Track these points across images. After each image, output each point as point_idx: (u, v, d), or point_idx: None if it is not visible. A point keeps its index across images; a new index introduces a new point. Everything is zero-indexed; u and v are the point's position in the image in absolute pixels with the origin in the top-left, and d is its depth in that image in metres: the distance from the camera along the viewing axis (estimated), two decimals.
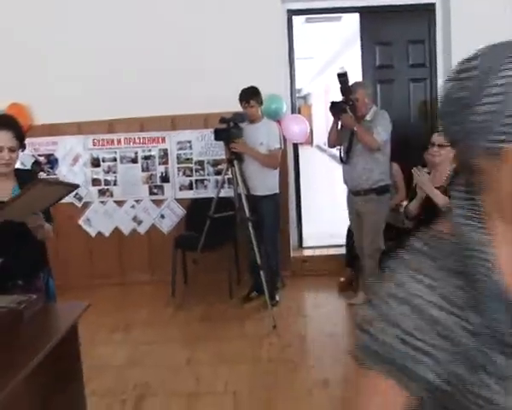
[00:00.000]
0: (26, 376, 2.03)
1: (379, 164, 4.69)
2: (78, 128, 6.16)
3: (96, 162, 6.20)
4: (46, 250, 3.21)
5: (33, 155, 6.26)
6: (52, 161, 6.26)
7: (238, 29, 5.89)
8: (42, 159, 6.24)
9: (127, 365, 4.31)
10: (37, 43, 5.99)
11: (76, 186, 3.22)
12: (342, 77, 4.66)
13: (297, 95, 6.89)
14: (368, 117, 4.72)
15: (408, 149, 5.32)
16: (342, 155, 4.91)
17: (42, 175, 5.97)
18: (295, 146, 6.42)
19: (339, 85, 4.72)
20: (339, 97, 4.82)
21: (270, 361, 4.24)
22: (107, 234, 6.31)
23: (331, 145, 5.19)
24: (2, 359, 2.03)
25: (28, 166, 6.28)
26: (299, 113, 7.59)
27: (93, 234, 6.31)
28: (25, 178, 3.07)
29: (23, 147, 3.05)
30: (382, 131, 4.63)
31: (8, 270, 2.85)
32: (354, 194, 4.86)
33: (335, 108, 4.77)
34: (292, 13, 6.24)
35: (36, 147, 6.21)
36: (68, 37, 5.98)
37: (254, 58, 5.82)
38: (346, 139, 4.81)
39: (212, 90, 5.70)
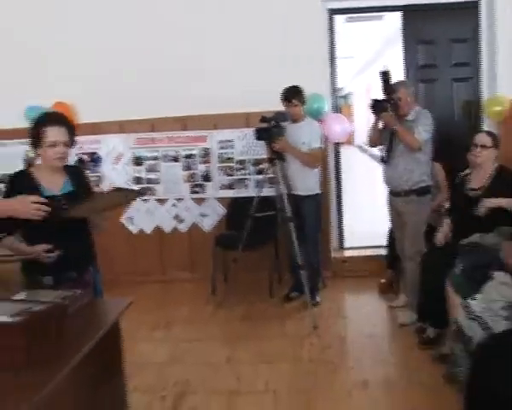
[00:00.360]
0: (71, 369, 2.08)
1: (420, 164, 4.63)
2: (121, 127, 6.25)
3: (138, 161, 6.28)
4: (94, 245, 3.30)
5: (77, 154, 6.38)
6: (95, 160, 6.36)
7: (280, 28, 5.89)
8: (85, 157, 6.35)
9: (168, 362, 4.35)
10: (83, 42, 6.11)
11: (141, 193, 3.35)
12: (385, 75, 4.60)
13: (338, 94, 6.85)
14: (410, 117, 4.66)
15: (451, 149, 5.24)
16: (383, 154, 4.86)
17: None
18: (336, 146, 6.39)
19: (381, 83, 4.66)
20: (380, 96, 4.76)
21: (310, 362, 4.24)
22: (148, 232, 6.38)
23: (372, 144, 5.14)
24: (49, 352, 2.08)
25: (73, 164, 6.40)
26: (340, 112, 7.54)
27: (135, 232, 6.40)
28: (73, 172, 3.22)
29: (74, 143, 3.16)
30: (423, 131, 4.56)
31: (63, 262, 2.97)
32: (394, 195, 4.80)
33: (376, 106, 4.71)
34: (333, 12, 6.21)
35: (80, 145, 6.31)
36: (110, 36, 6.07)
37: (295, 57, 5.81)
38: (387, 139, 4.76)
39: (254, 89, 5.72)
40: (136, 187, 6.15)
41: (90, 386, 2.41)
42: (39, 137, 3.01)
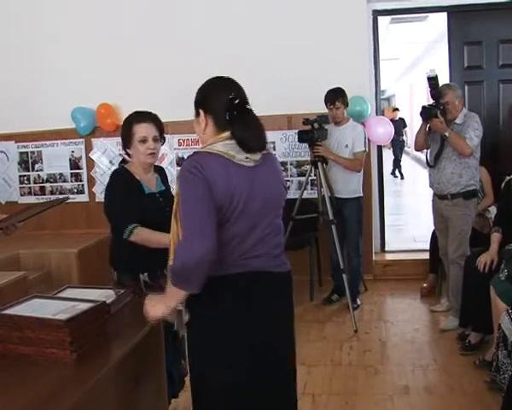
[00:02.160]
0: (114, 365, 2.13)
1: (468, 169, 4.55)
2: (165, 128, 6.29)
3: (181, 162, 6.34)
4: None
5: (121, 154, 6.47)
6: None
7: (323, 30, 5.88)
8: (128, 157, 6.44)
9: None
10: (126, 44, 6.21)
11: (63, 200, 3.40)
12: (433, 80, 4.53)
13: (381, 96, 6.80)
14: (458, 120, 4.58)
15: (497, 153, 5.16)
16: (429, 158, 4.80)
17: None
18: (379, 148, 6.35)
19: (429, 89, 4.60)
20: (423, 99, 4.69)
21: (349, 365, 4.21)
22: None
23: (418, 149, 5.08)
24: (93, 348, 2.12)
25: (116, 165, 6.51)
26: (383, 114, 7.49)
27: None
28: (160, 172, 3.31)
29: (163, 139, 3.24)
30: (475, 136, 4.48)
31: (160, 259, 2.93)
32: (440, 198, 4.73)
33: (426, 112, 4.64)
34: (377, 13, 6.17)
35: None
36: (151, 38, 6.17)
37: (339, 59, 5.80)
38: (435, 143, 4.69)
39: (297, 90, 5.72)
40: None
41: (133, 382, 2.45)
42: (130, 135, 3.08)
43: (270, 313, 2.27)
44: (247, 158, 2.20)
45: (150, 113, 3.20)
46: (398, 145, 14.57)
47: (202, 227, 2.04)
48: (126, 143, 3.12)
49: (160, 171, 3.33)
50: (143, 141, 3.06)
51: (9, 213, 3.02)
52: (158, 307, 2.18)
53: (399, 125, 14.27)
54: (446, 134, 4.49)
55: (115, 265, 3.19)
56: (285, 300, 2.42)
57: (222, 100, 2.26)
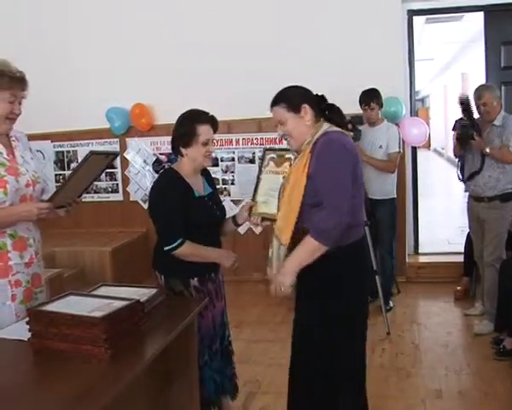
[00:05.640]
0: (148, 363, 2.14)
1: (506, 173, 4.47)
2: None
3: (214, 162, 6.37)
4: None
5: (155, 154, 6.55)
6: (171, 160, 6.47)
7: (358, 30, 5.86)
8: (163, 157, 6.51)
9: (238, 362, 4.35)
10: (160, 45, 6.27)
11: (116, 154, 3.12)
12: (464, 104, 4.46)
13: (415, 97, 6.74)
14: (497, 122, 4.51)
15: None
16: (465, 172, 4.75)
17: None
18: (414, 150, 6.29)
19: (461, 111, 4.53)
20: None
21: (381, 367, 4.18)
22: None
23: (457, 156, 5.01)
24: (127, 346, 2.14)
25: (150, 164, 6.58)
26: (417, 115, 7.42)
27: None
28: (207, 174, 3.22)
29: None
30: None
31: (211, 263, 3.06)
32: (476, 200, 4.67)
33: (463, 137, 4.58)
34: (412, 13, 6.12)
35: (158, 146, 6.50)
36: (185, 38, 6.22)
37: (373, 59, 5.77)
38: (471, 156, 4.62)
39: (331, 91, 5.66)
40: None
41: (165, 381, 2.48)
42: (193, 135, 2.96)
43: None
44: None
45: (208, 113, 3.09)
46: None
47: (348, 200, 2.44)
48: (187, 142, 2.97)
49: (206, 173, 3.22)
50: (206, 143, 2.98)
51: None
52: (287, 277, 2.54)
53: None
54: (487, 151, 4.43)
55: (162, 269, 3.07)
56: None
57: (313, 95, 2.71)
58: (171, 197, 2.93)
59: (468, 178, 4.66)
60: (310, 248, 2.47)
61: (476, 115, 4.59)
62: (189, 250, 2.92)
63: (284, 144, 2.86)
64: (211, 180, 3.24)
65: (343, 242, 2.49)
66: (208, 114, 3.08)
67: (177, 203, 2.91)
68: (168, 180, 3.03)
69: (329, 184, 2.44)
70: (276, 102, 2.70)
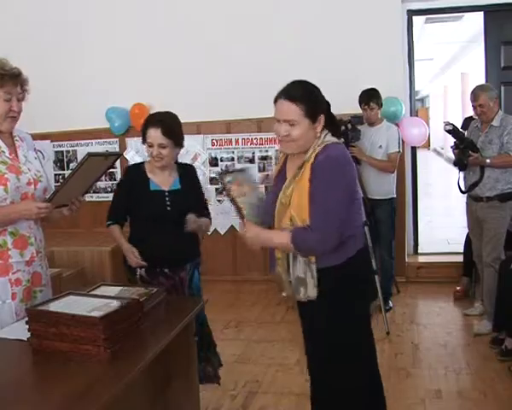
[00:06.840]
0: (147, 363, 2.14)
1: (505, 173, 4.47)
2: (198, 128, 6.36)
3: (214, 162, 6.38)
4: (199, 243, 3.39)
5: None
6: None
7: (358, 30, 5.86)
8: None
9: (238, 362, 4.39)
10: (161, 46, 6.27)
11: (118, 154, 3.21)
12: (451, 131, 4.55)
13: (415, 97, 6.75)
14: (494, 122, 4.51)
15: None
16: (464, 183, 4.76)
17: None
18: (413, 149, 6.29)
19: (452, 137, 4.60)
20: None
21: (381, 367, 4.13)
22: (222, 232, 6.45)
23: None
24: (126, 346, 2.14)
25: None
26: (417, 115, 7.42)
27: (209, 232, 6.47)
28: (185, 172, 3.36)
29: (179, 145, 3.25)
30: None
31: (158, 256, 3.13)
32: (475, 200, 4.67)
33: (460, 164, 4.62)
34: (412, 13, 6.12)
35: None
36: (187, 39, 6.23)
37: (373, 59, 5.78)
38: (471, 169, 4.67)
39: (330, 91, 5.66)
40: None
41: (165, 380, 2.47)
42: (144, 137, 3.19)
43: None
44: None
45: (163, 116, 3.21)
46: None
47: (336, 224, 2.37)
48: (143, 142, 3.22)
49: (186, 171, 3.37)
50: (150, 146, 3.15)
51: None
52: (255, 244, 2.64)
53: None
54: (488, 162, 4.44)
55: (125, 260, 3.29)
56: None
57: (327, 103, 2.62)
58: (118, 185, 3.48)
59: (468, 189, 4.67)
60: (284, 245, 2.48)
61: (474, 115, 4.61)
62: (112, 234, 3.31)
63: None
64: (186, 178, 3.32)
65: (350, 253, 2.47)
66: (160, 116, 3.20)
67: (121, 191, 3.33)
68: (126, 171, 3.44)
69: (320, 207, 2.34)
70: (294, 97, 2.49)
